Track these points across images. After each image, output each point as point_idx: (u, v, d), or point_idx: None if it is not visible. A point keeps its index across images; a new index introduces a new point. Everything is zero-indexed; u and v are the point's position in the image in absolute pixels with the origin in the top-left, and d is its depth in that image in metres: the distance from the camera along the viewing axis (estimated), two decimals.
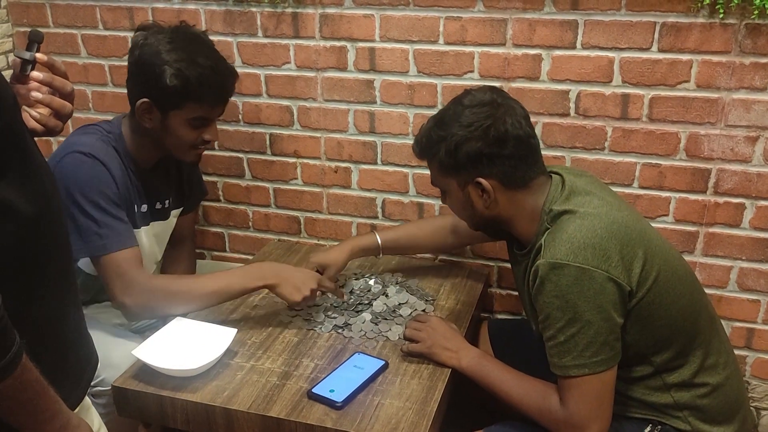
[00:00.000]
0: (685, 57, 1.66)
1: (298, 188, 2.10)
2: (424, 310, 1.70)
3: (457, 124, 1.35)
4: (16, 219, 0.86)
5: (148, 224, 1.74)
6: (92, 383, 1.50)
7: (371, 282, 1.82)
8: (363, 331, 1.61)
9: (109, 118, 1.75)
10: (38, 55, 1.02)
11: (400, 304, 1.72)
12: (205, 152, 1.76)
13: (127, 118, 1.67)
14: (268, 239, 2.18)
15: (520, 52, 1.76)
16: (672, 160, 1.76)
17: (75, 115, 2.13)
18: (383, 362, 1.48)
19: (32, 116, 1.01)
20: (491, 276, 2.02)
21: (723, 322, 1.83)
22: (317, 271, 1.71)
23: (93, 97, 2.17)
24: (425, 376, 1.46)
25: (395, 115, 1.91)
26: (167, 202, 1.80)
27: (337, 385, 1.40)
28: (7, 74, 1.02)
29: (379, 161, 1.98)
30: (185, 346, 1.49)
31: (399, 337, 1.59)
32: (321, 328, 1.63)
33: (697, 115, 1.70)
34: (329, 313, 1.68)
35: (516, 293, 2.02)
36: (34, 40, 1.04)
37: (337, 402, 1.36)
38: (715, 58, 1.64)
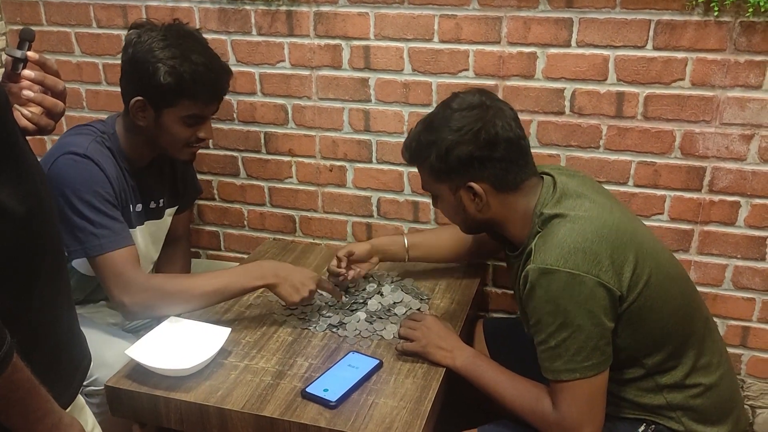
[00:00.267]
0: (679, 55, 1.66)
1: (293, 187, 2.09)
2: (419, 309, 1.70)
3: (447, 128, 1.34)
4: (7, 219, 0.86)
5: (143, 224, 1.74)
6: (86, 383, 1.51)
7: (366, 281, 1.81)
8: (358, 330, 1.61)
9: (103, 116, 1.74)
10: (30, 54, 1.01)
11: (394, 303, 1.72)
12: (200, 151, 1.76)
13: (121, 117, 1.66)
14: (263, 238, 2.18)
15: (514, 50, 1.76)
16: (667, 159, 1.76)
17: (69, 113, 2.13)
18: (378, 361, 1.48)
19: (24, 115, 1.00)
20: (486, 275, 2.02)
21: (718, 321, 1.84)
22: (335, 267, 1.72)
23: (87, 95, 2.16)
24: (419, 376, 1.46)
25: (390, 114, 1.91)
26: (161, 201, 1.79)
27: (331, 384, 1.40)
28: None
29: (374, 160, 1.98)
30: (179, 345, 1.48)
31: (394, 336, 1.59)
32: (315, 327, 1.62)
33: (692, 113, 1.70)
34: (324, 312, 1.68)
35: (511, 292, 2.02)
36: (26, 39, 1.03)
37: (331, 401, 1.35)
38: (710, 56, 1.64)
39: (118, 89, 1.62)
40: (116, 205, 1.57)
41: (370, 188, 2.02)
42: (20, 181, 0.89)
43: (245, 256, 2.15)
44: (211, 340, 1.48)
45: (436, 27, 1.79)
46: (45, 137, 2.18)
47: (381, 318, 1.66)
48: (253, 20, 1.92)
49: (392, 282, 1.82)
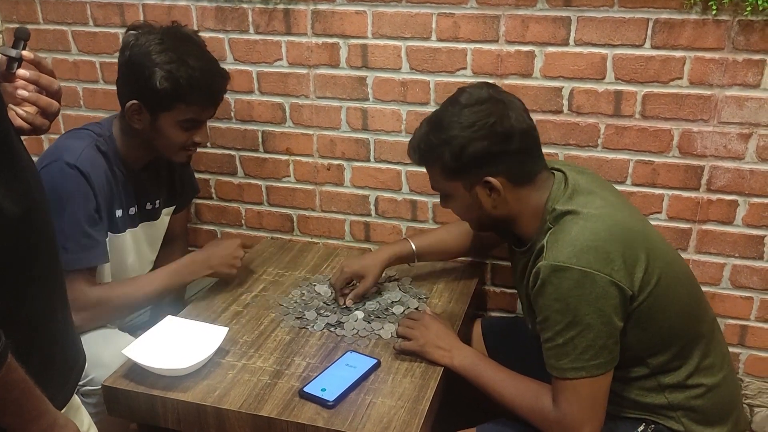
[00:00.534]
0: (678, 54, 1.66)
1: (290, 186, 2.09)
2: (417, 308, 1.70)
3: (458, 125, 1.32)
4: (1, 219, 0.85)
5: (136, 226, 1.74)
6: (82, 383, 1.51)
7: None
8: (355, 329, 1.61)
9: (100, 115, 1.74)
10: (24, 53, 1.01)
11: (392, 302, 1.71)
12: (197, 149, 1.75)
13: (117, 119, 1.67)
14: (260, 237, 2.17)
15: (512, 48, 1.75)
16: (665, 157, 1.75)
17: (66, 112, 2.13)
18: (375, 361, 1.48)
19: (18, 114, 1.00)
20: (485, 274, 2.02)
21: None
22: (352, 281, 1.71)
23: (84, 94, 2.15)
24: (417, 375, 1.46)
25: (388, 112, 1.91)
26: (158, 202, 1.79)
27: (329, 383, 1.40)
28: None
29: (372, 159, 1.98)
30: (176, 345, 1.48)
31: (392, 336, 1.58)
32: (313, 326, 1.62)
33: (690, 112, 1.69)
34: (321, 311, 1.68)
35: (510, 291, 2.02)
36: (21, 38, 1.03)
37: (328, 401, 1.35)
38: (708, 55, 1.64)
39: (115, 88, 1.62)
40: (96, 221, 1.57)
41: (368, 187, 2.02)
42: (15, 181, 0.88)
43: None
44: (208, 339, 1.47)
45: (434, 25, 1.78)
46: (42, 136, 2.17)
47: (379, 317, 1.65)
48: (250, 18, 1.92)
49: (390, 281, 1.81)
